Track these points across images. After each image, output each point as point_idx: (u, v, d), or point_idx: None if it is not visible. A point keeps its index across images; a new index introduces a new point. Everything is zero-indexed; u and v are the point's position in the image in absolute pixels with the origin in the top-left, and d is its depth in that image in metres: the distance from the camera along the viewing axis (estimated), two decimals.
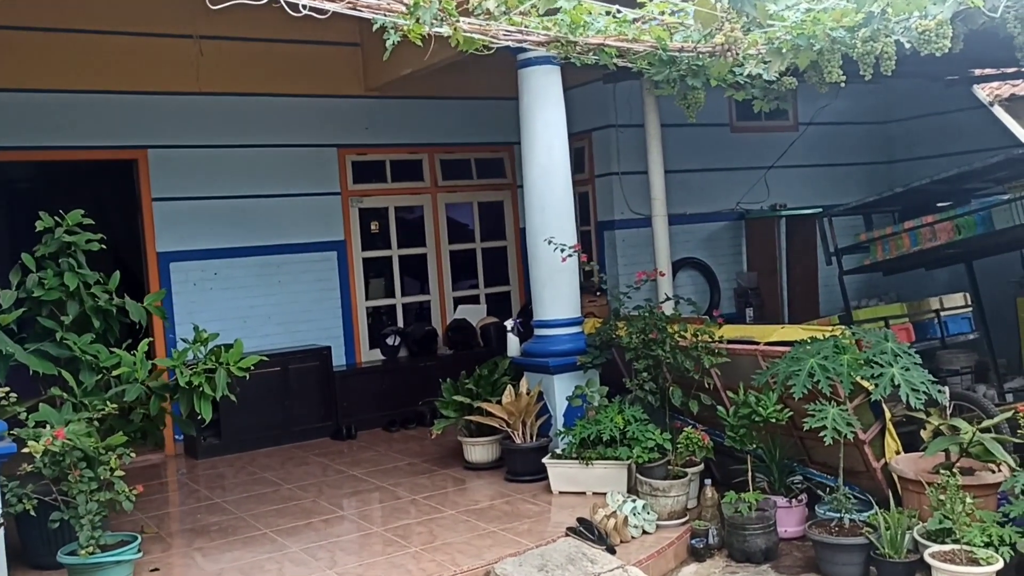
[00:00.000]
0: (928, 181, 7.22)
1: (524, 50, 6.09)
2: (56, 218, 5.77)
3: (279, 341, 8.79)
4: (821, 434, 5.04)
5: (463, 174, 10.13)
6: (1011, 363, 7.95)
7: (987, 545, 4.55)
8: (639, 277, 6.96)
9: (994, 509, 4.93)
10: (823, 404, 5.16)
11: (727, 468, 6.08)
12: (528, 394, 6.82)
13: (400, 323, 9.72)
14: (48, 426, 4.85)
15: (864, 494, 5.46)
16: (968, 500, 4.71)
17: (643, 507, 5.64)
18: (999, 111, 9.73)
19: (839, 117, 10.62)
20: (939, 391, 5.23)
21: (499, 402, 6.85)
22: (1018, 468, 4.92)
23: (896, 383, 5.07)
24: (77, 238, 5.75)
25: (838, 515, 5.16)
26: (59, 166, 9.12)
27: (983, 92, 9.86)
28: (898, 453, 5.55)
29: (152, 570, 5.25)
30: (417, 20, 3.53)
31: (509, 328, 7.79)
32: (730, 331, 6.36)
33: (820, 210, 8.62)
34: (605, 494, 5.78)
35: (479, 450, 7.10)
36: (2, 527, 4.62)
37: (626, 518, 5.51)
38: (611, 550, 5.26)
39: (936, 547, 4.63)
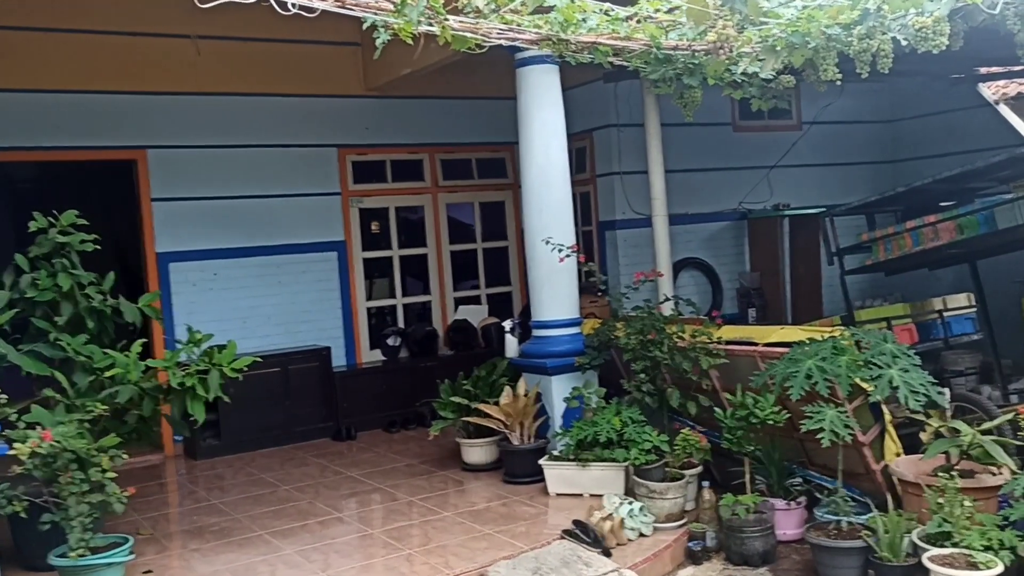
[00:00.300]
0: (931, 180, 7.14)
1: (521, 49, 6.07)
2: (50, 219, 5.74)
3: (279, 342, 8.77)
4: (818, 436, 4.98)
5: (464, 174, 10.10)
6: (1016, 364, 7.86)
7: (987, 549, 4.47)
8: (637, 277, 6.92)
9: (994, 512, 4.84)
10: (821, 406, 5.10)
11: (726, 470, 6.03)
12: (526, 395, 6.77)
13: (401, 324, 9.69)
14: (39, 428, 4.82)
15: (864, 497, 5.40)
16: (968, 503, 4.63)
17: (640, 509, 5.58)
18: (1005, 110, 9.64)
19: (843, 116, 10.53)
20: (939, 393, 5.15)
21: (497, 403, 6.81)
22: (1019, 471, 4.85)
23: (895, 384, 5.00)
24: (71, 238, 5.72)
25: (837, 518, 5.10)
26: (63, 167, 9.13)
27: (989, 90, 9.78)
28: (899, 455, 5.49)
29: (146, 572, 5.23)
30: (406, 18, 3.49)
31: (508, 329, 7.75)
32: (729, 332, 6.30)
33: (823, 210, 8.55)
34: (602, 496, 5.74)
35: (477, 451, 7.06)
36: None
37: (623, 520, 5.45)
38: (607, 553, 5.21)
39: (935, 551, 4.55)
